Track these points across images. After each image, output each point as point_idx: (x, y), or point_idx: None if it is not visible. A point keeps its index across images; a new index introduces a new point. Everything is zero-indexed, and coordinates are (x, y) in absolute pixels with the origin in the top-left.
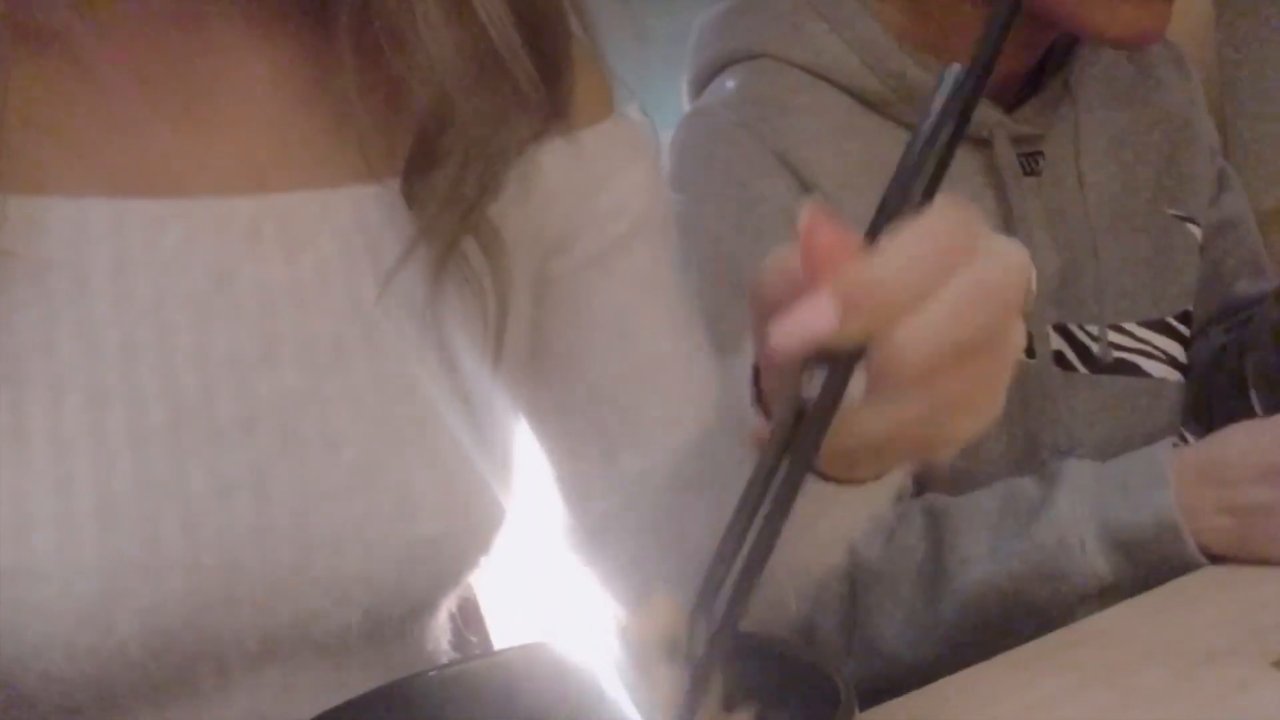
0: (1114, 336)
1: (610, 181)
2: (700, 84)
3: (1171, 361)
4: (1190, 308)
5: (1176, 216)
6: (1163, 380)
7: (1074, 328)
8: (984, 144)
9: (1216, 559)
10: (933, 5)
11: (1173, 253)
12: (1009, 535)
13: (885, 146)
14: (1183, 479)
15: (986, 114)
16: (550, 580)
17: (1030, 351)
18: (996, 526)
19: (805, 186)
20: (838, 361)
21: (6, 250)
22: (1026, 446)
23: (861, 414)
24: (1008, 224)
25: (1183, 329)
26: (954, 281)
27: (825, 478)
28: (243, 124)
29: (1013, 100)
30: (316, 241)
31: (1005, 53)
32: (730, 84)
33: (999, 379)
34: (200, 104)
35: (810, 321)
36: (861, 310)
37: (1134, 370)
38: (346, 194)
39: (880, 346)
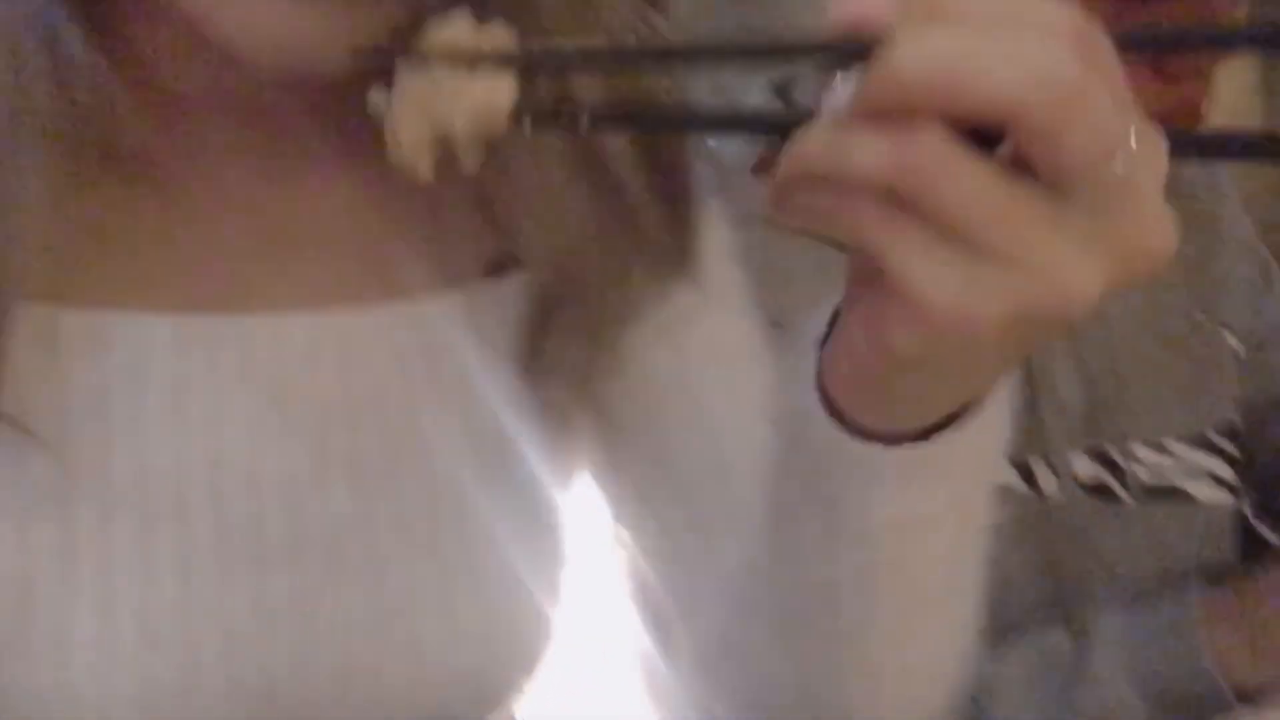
0: (1152, 456)
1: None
2: None
3: (1219, 482)
4: (1234, 417)
5: (1209, 323)
6: (1208, 504)
7: (1110, 448)
8: None
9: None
10: None
11: (1207, 361)
12: (1048, 701)
13: None
14: (1215, 624)
15: None
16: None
17: (1052, 484)
18: (1033, 693)
19: None
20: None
21: (68, 371)
22: (1056, 588)
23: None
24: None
25: (1228, 446)
26: (1011, 37)
27: (865, 435)
28: (310, 243)
29: None
30: (373, 360)
31: None
32: None
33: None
34: (273, 225)
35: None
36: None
37: (1177, 493)
38: (406, 309)
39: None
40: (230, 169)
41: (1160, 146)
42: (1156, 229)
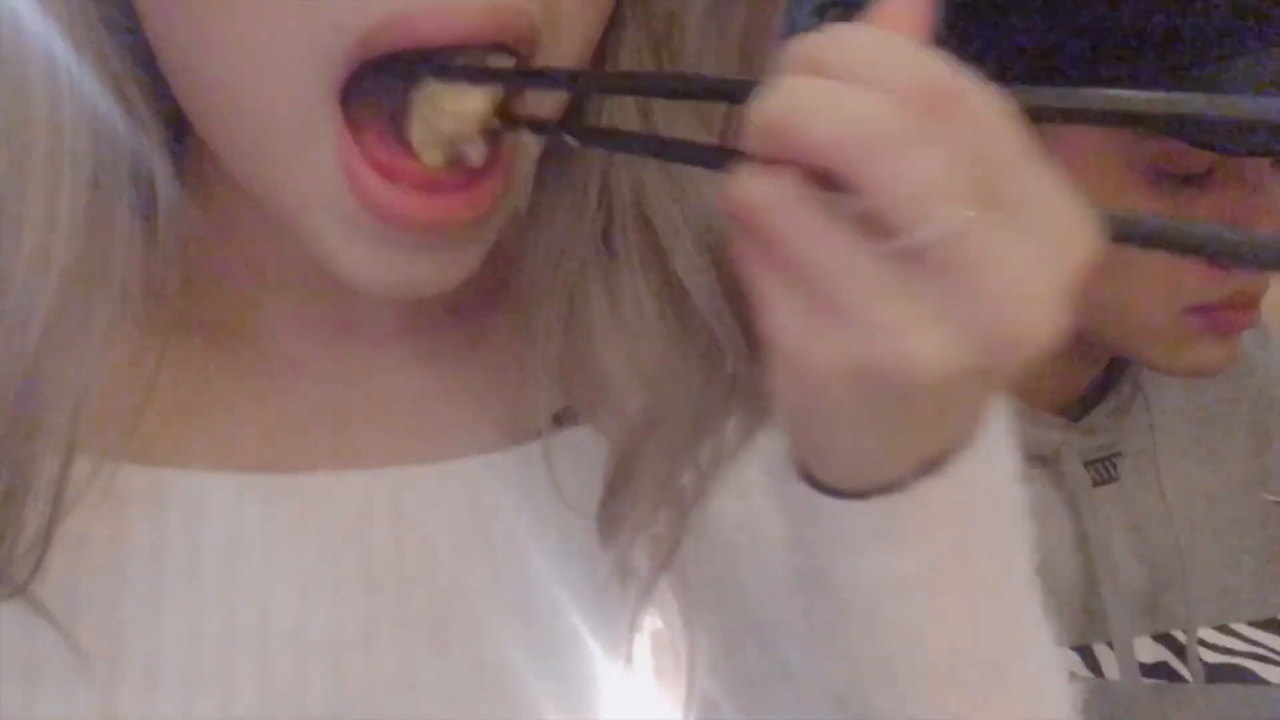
0: (1220, 639)
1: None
2: None
3: None
4: None
5: (1277, 502)
6: (1278, 685)
7: (1176, 634)
8: (1049, 461)
9: None
10: None
11: (1276, 542)
12: None
13: None
14: None
15: (1049, 434)
16: None
17: (1114, 669)
18: None
19: None
20: None
21: (126, 527)
22: None
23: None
24: (1083, 543)
25: None
26: (865, 99)
27: (821, 488)
28: (369, 404)
29: (1079, 411)
30: (426, 518)
31: (1068, 370)
32: None
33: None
34: (335, 388)
35: None
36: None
37: (1244, 674)
38: (460, 467)
39: None
40: (292, 331)
41: (1072, 235)
42: (1021, 313)
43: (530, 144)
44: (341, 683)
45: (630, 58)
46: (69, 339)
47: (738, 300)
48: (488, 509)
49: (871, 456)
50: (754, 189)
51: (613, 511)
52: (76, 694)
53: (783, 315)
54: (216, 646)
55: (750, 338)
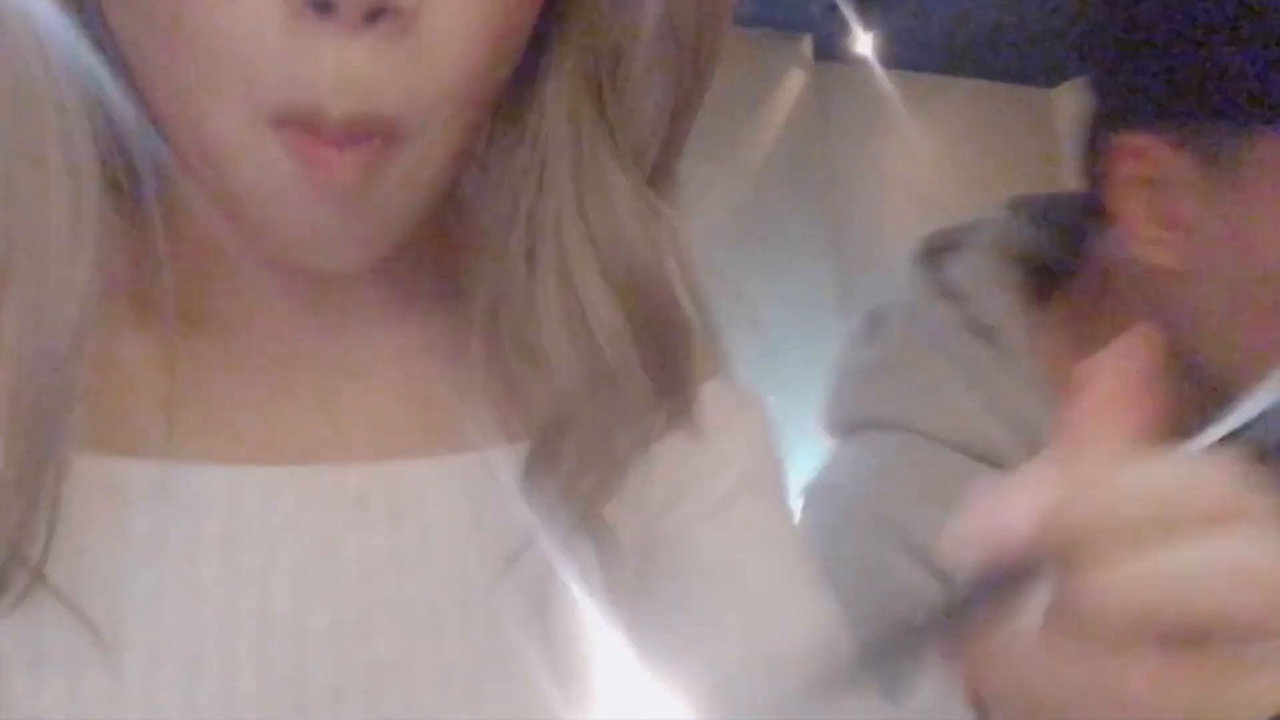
0: None
1: (714, 441)
2: (831, 436)
3: None
4: None
5: None
6: None
7: None
8: None
9: None
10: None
11: None
12: None
13: None
14: None
15: None
16: None
17: None
18: None
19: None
20: (1009, 573)
21: (126, 519)
22: None
23: (1028, 655)
24: None
25: None
26: (1204, 543)
27: None
28: (367, 398)
29: None
30: (422, 509)
31: (1191, 413)
32: (866, 461)
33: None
34: (329, 379)
35: (1001, 517)
36: (1072, 528)
37: None
38: (456, 461)
39: (1076, 578)
40: (284, 322)
41: None
42: None
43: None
44: (340, 669)
45: (565, 95)
46: (92, 327)
47: (646, 331)
48: (483, 502)
49: None
50: (1123, 673)
51: (535, 480)
52: (82, 680)
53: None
54: (217, 632)
55: (654, 372)
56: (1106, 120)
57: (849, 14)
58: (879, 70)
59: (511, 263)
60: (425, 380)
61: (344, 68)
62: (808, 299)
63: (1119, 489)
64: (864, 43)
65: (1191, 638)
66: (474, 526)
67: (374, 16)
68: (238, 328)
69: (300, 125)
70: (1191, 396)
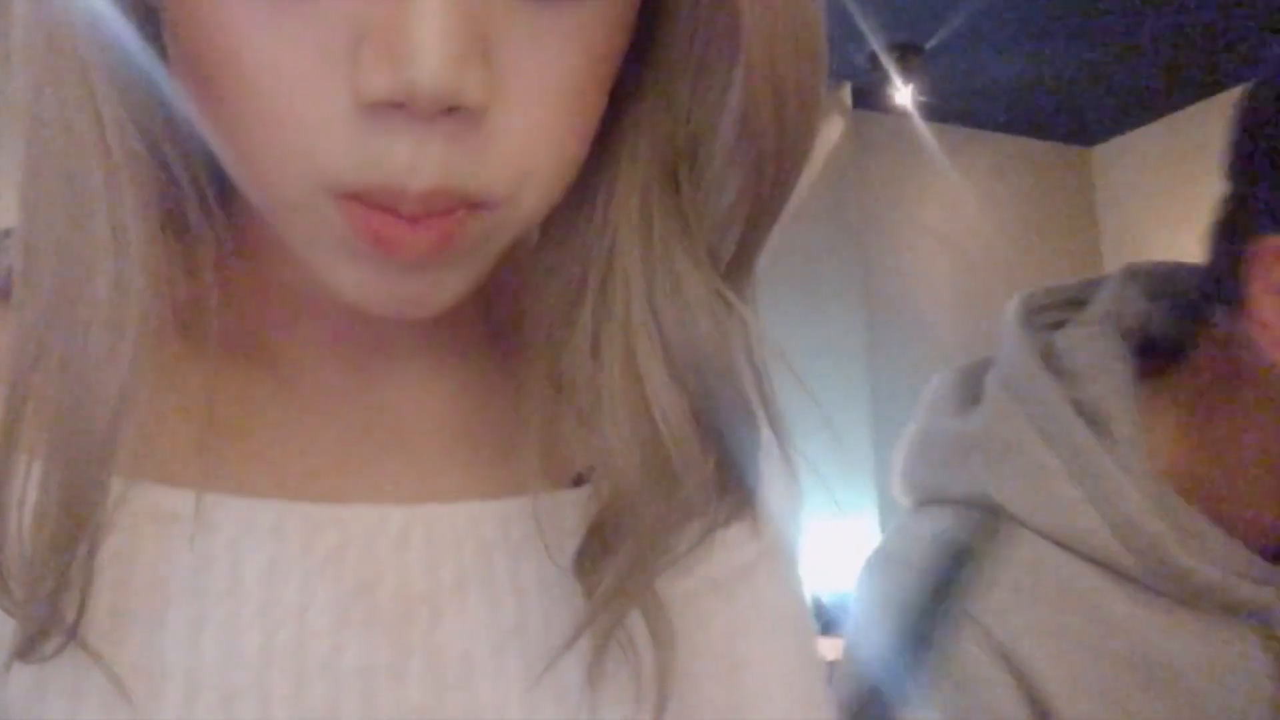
0: None
1: (753, 525)
2: (904, 500)
3: None
4: None
5: None
6: None
7: None
8: (1261, 617)
9: None
10: (1217, 448)
11: None
12: None
13: (1140, 629)
14: None
15: (1262, 590)
16: None
17: None
18: None
19: (1034, 700)
20: None
21: (171, 548)
22: None
23: None
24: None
25: None
26: None
27: None
28: (412, 440)
29: None
30: (460, 553)
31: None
32: (943, 536)
33: None
34: (376, 420)
35: None
36: None
37: None
38: (495, 507)
39: None
40: (334, 358)
41: None
42: None
43: None
44: (372, 710)
45: (638, 179)
46: (142, 374)
47: (711, 424)
48: (519, 550)
49: None
50: None
51: (588, 566)
52: (118, 709)
53: None
54: (254, 667)
55: (717, 469)
56: (1253, 222)
57: (890, 64)
58: (918, 121)
59: (577, 339)
60: (470, 423)
61: (419, 152)
62: (839, 346)
63: None
64: (904, 94)
65: None
66: (510, 573)
67: (447, 113)
68: (287, 363)
69: (369, 203)
70: None
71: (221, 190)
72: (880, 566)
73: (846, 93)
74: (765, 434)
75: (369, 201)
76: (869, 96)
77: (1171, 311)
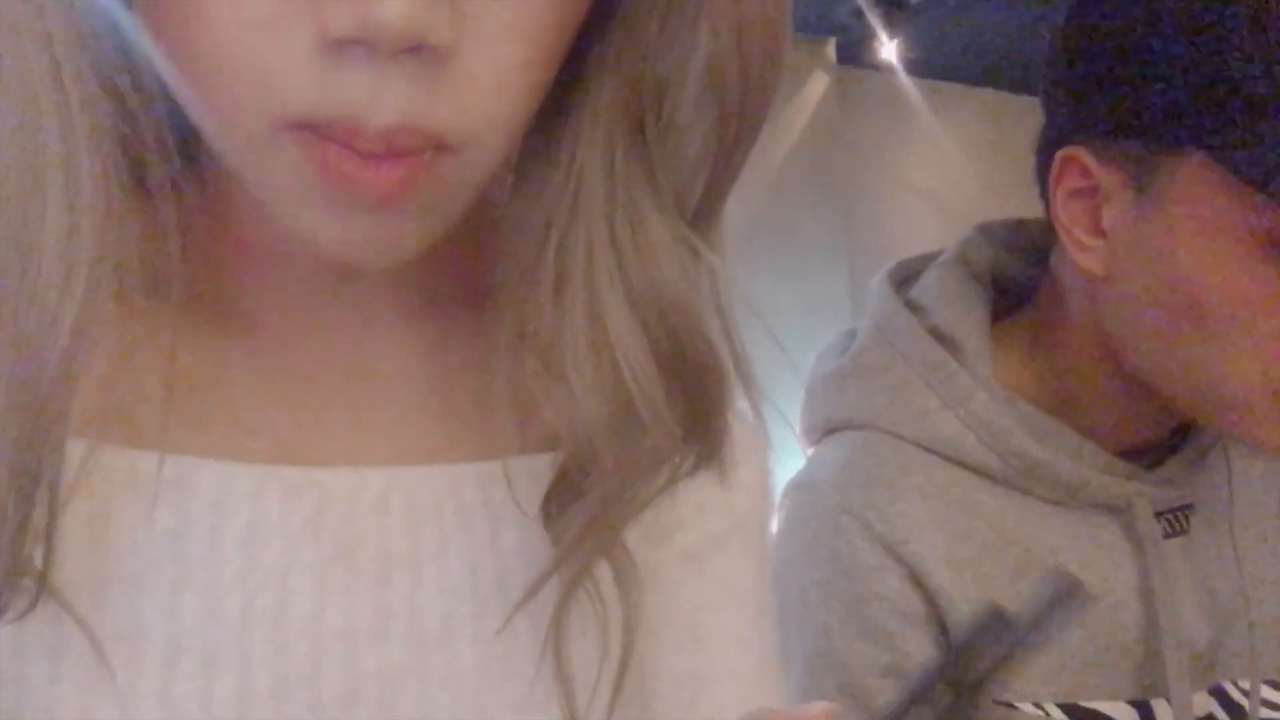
0: (1269, 693)
1: (725, 477)
2: (808, 443)
3: None
4: None
5: None
6: None
7: (1228, 685)
8: (1120, 511)
9: None
10: (1058, 369)
11: None
12: None
13: (1010, 522)
14: None
15: (1121, 483)
16: None
17: None
18: None
19: (918, 580)
20: None
21: (150, 512)
22: None
23: None
24: (1147, 597)
25: None
26: None
27: None
28: (388, 400)
29: (1154, 457)
30: (440, 515)
31: (1148, 415)
32: (835, 456)
33: None
34: (352, 381)
35: None
36: None
37: None
38: (475, 469)
39: None
40: (309, 321)
41: None
42: None
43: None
44: (354, 671)
45: (602, 123)
46: (95, 326)
47: (676, 371)
48: (499, 512)
49: None
50: None
51: (554, 513)
52: (99, 671)
53: None
54: (235, 629)
55: (683, 418)
56: (1055, 138)
57: (874, 20)
58: (902, 77)
59: (540, 286)
60: (447, 386)
61: (379, 88)
62: (822, 302)
63: None
64: (889, 49)
65: None
66: (491, 536)
67: (412, 51)
68: (260, 324)
69: (328, 136)
70: (1140, 407)
71: (186, 148)
72: (784, 493)
73: (831, 48)
74: (737, 388)
75: (327, 135)
76: (853, 52)
77: (1021, 257)
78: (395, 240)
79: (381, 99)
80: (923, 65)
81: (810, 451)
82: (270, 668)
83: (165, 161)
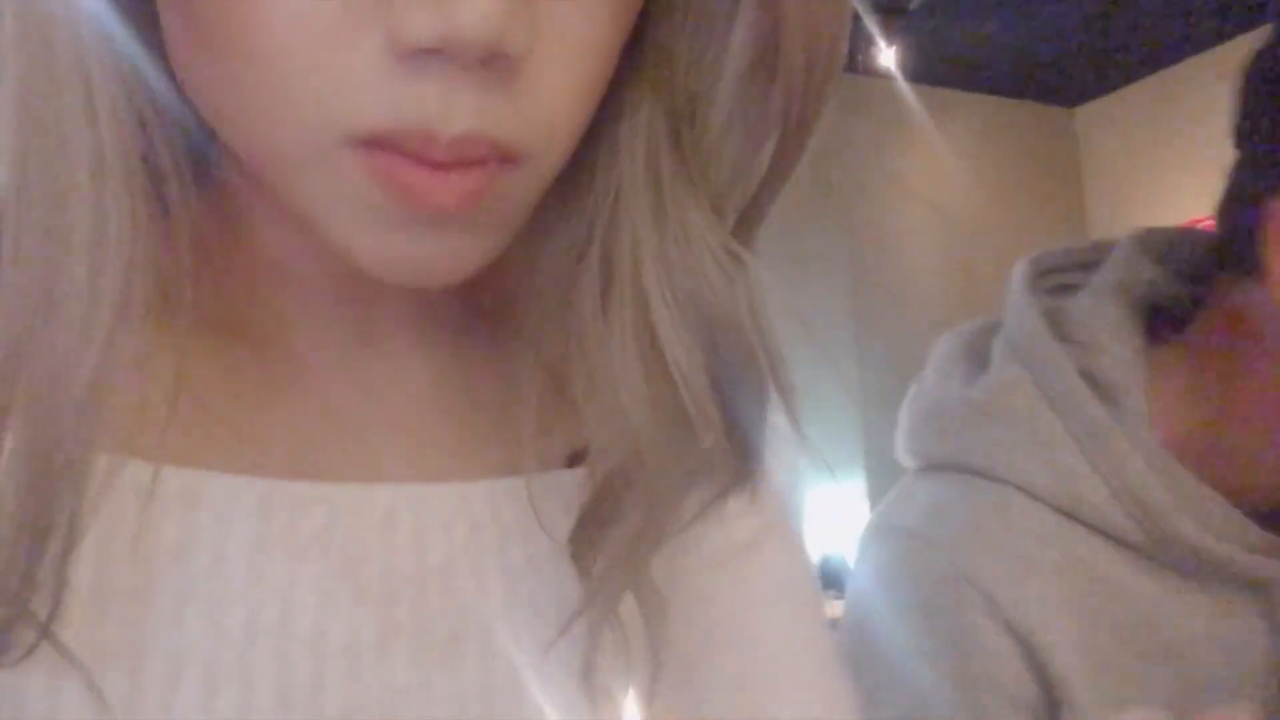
0: None
1: (752, 495)
2: (911, 460)
3: None
4: None
5: None
6: None
7: None
8: (1262, 588)
9: None
10: (1227, 415)
11: None
12: None
13: (1147, 603)
14: None
15: (1267, 565)
16: None
17: None
18: None
19: (1040, 667)
20: None
21: (155, 525)
22: None
23: None
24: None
25: None
26: None
27: None
28: (397, 417)
29: None
30: (449, 532)
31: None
32: (952, 507)
33: None
34: (362, 396)
35: None
36: None
37: None
38: (485, 486)
39: None
40: (322, 334)
41: None
42: None
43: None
44: (357, 688)
45: (641, 134)
46: (124, 340)
47: (722, 386)
48: (509, 530)
49: None
50: None
51: (586, 539)
52: (100, 683)
53: None
54: (238, 644)
55: (729, 423)
56: (1267, 182)
57: (873, 27)
58: (902, 83)
59: (584, 297)
60: (458, 401)
61: (453, 97)
62: (824, 310)
63: None
64: (887, 56)
65: None
66: (500, 553)
67: (485, 62)
68: (274, 339)
69: (396, 150)
70: None
71: (194, 166)
72: (884, 534)
73: None
74: (772, 397)
75: (395, 149)
76: (852, 59)
77: (1178, 278)
78: (454, 259)
79: (454, 108)
80: (922, 72)
81: (912, 482)
82: (272, 684)
83: (179, 179)
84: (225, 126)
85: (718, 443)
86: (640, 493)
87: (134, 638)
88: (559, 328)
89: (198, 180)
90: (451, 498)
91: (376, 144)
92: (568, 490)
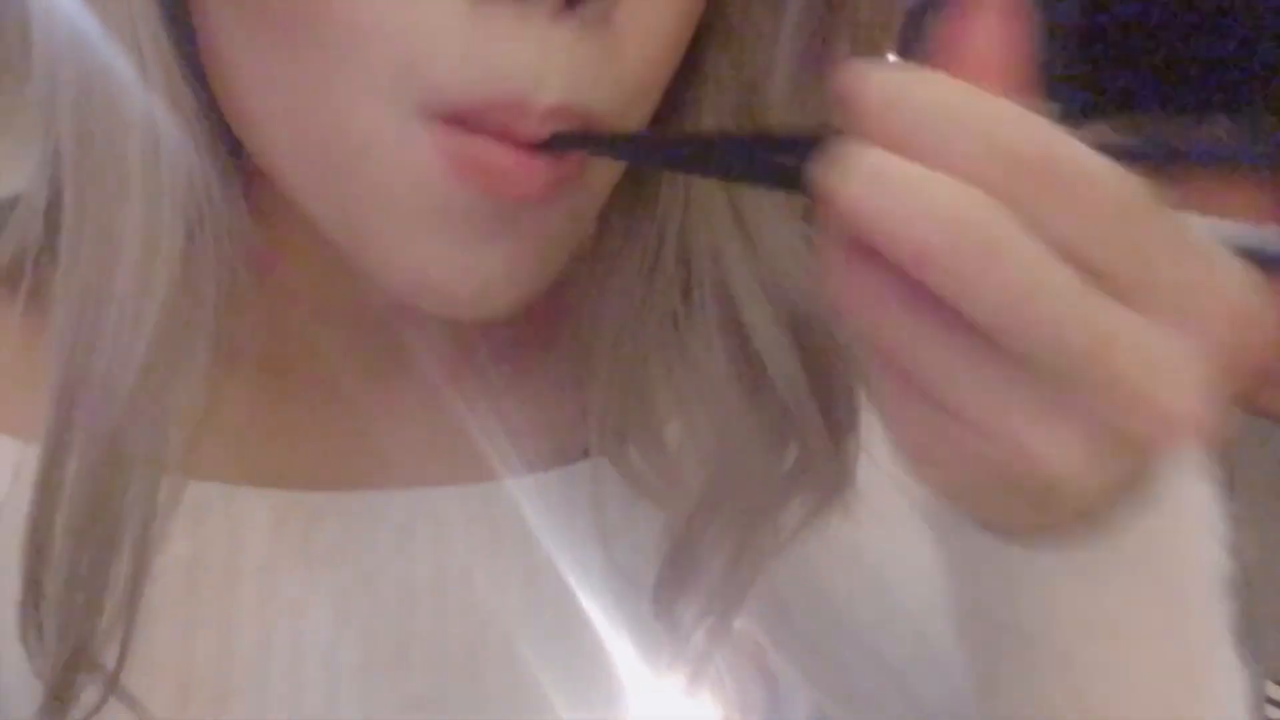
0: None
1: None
2: None
3: None
4: None
5: None
6: None
7: None
8: None
9: None
10: None
11: None
12: None
13: None
14: None
15: None
16: None
17: None
18: None
19: None
20: None
21: (162, 540)
22: None
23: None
24: None
25: None
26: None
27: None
28: (410, 421)
29: None
30: (467, 538)
31: None
32: None
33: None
34: (374, 408)
35: None
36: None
37: None
38: (501, 488)
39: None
40: (333, 350)
41: (1223, 306)
42: (1144, 414)
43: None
44: (372, 705)
45: (714, 123)
46: (168, 371)
47: (817, 378)
48: (529, 532)
49: (1023, 519)
50: (853, 284)
51: (669, 592)
52: (110, 705)
53: (899, 418)
54: (250, 663)
55: (828, 417)
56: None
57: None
58: None
59: (657, 303)
60: (467, 414)
61: (544, 60)
62: None
63: (921, 92)
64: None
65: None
66: (517, 559)
67: (574, 4)
68: (294, 365)
69: (478, 128)
70: None
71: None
72: None
73: None
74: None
75: (479, 128)
76: None
77: None
78: (509, 279)
79: (546, 72)
80: None
81: None
82: (284, 704)
83: (222, 203)
84: (274, 127)
85: (822, 443)
86: (729, 517)
87: (142, 658)
88: (618, 341)
89: (230, 207)
90: (468, 501)
91: (459, 120)
92: (583, 485)
